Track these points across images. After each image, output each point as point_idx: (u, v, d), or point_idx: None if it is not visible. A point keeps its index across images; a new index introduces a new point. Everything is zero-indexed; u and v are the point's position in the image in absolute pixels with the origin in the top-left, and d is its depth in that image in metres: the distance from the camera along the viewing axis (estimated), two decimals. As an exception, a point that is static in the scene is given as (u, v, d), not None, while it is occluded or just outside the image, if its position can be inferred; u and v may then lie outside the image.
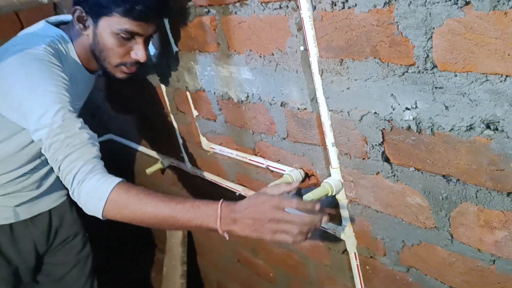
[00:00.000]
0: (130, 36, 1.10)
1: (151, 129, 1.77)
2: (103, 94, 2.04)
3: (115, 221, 0.95)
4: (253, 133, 1.19)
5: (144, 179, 2.02)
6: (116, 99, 1.95)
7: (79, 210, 1.40)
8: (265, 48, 1.00)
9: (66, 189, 1.29)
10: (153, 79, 1.54)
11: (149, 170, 1.70)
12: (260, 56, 1.02)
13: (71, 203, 1.44)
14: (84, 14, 1.10)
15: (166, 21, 1.28)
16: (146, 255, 2.39)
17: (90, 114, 2.16)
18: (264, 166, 1.20)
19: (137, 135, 1.91)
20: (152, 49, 1.45)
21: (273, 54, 0.99)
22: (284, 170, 1.12)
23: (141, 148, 1.90)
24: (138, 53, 1.12)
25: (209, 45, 1.17)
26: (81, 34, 1.15)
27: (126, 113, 1.92)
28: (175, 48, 1.33)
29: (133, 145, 1.97)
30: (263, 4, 0.95)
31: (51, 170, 1.29)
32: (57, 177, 1.12)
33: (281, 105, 1.04)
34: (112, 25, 1.08)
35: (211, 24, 1.12)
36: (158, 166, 1.72)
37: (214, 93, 1.25)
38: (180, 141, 1.58)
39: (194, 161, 1.57)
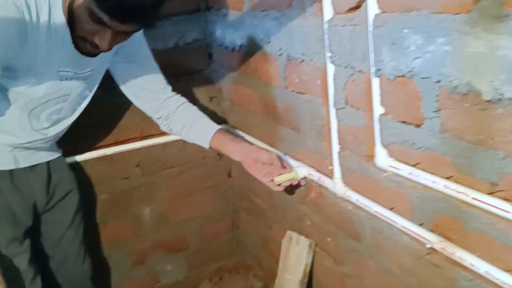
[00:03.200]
0: (99, 21, 0.97)
1: (289, 125, 1.34)
2: (228, 73, 1.65)
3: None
4: (504, 158, 0.70)
5: (266, 189, 1.58)
6: (244, 81, 1.55)
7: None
8: None
9: (61, 146, 1.41)
10: (318, 55, 1.10)
11: (279, 179, 1.26)
12: None
13: (66, 161, 1.46)
14: None
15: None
16: (237, 278, 1.97)
17: (209, 97, 1.79)
18: (510, 215, 0.71)
19: (266, 131, 1.49)
20: (328, 12, 1.01)
21: None
22: None
23: (270, 149, 1.46)
24: (101, 42, 1.02)
25: (451, 1, 0.70)
26: None
27: (254, 100, 1.51)
28: (373, 10, 0.89)
29: (259, 144, 1.54)
30: None
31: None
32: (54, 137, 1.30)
33: None
34: (86, 1, 0.97)
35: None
36: (291, 175, 1.27)
37: (438, 81, 0.78)
38: (336, 148, 1.12)
39: (351, 180, 1.11)
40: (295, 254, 1.39)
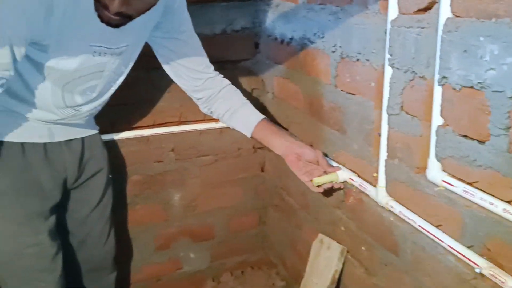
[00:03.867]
0: None
1: (334, 126, 1.29)
2: (273, 66, 1.61)
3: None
4: None
5: (301, 187, 1.55)
6: (290, 75, 1.50)
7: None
8: None
9: (98, 124, 1.39)
10: (375, 55, 1.05)
11: (318, 180, 1.22)
12: None
13: (101, 138, 1.43)
14: None
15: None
16: (259, 274, 1.94)
17: (251, 88, 1.75)
18: None
19: (307, 129, 1.45)
20: (393, 12, 0.96)
21: None
22: None
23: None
24: (110, 2, 0.90)
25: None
26: None
27: (298, 96, 1.47)
28: (445, 13, 0.83)
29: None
30: None
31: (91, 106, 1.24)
32: (92, 114, 1.29)
33: None
34: None
35: None
36: (331, 177, 1.23)
37: (513, 97, 0.72)
38: (383, 155, 1.07)
39: (396, 190, 1.06)
40: (325, 259, 1.34)
